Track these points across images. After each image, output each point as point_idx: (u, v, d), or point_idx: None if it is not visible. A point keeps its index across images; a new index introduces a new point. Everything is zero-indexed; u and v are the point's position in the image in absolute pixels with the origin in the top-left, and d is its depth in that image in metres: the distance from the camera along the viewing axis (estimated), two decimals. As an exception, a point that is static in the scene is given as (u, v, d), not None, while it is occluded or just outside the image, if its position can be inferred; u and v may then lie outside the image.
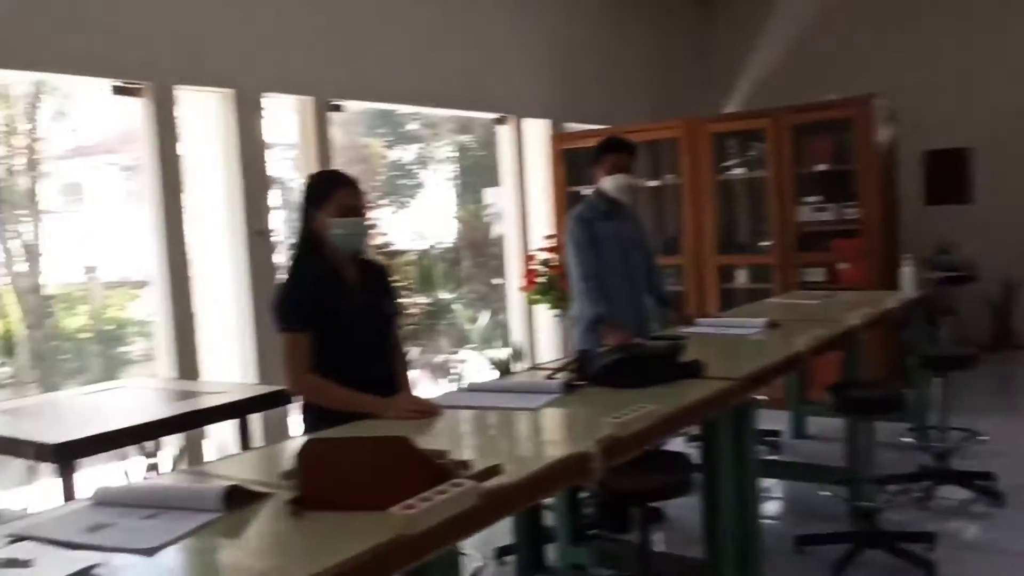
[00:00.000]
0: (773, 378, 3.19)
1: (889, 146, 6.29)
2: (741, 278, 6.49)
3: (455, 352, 9.02)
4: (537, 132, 6.79)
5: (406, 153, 13.24)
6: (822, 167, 6.16)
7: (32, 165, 10.90)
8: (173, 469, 4.07)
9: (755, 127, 6.36)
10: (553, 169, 6.77)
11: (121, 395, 3.80)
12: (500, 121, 6.52)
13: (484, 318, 9.35)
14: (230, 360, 4.70)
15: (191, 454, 4.26)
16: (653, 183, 6.72)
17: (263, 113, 4.77)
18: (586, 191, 6.62)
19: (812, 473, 4.55)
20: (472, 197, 13.30)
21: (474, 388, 2.89)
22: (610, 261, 3.95)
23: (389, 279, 3.06)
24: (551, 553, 3.43)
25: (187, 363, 4.37)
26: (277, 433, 4.47)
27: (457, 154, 13.59)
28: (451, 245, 6.56)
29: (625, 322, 3.85)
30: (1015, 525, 3.94)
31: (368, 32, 5.32)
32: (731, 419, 2.81)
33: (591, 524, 3.63)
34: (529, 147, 6.71)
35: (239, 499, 1.79)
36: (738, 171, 6.57)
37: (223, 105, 4.60)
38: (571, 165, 6.67)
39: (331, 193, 2.78)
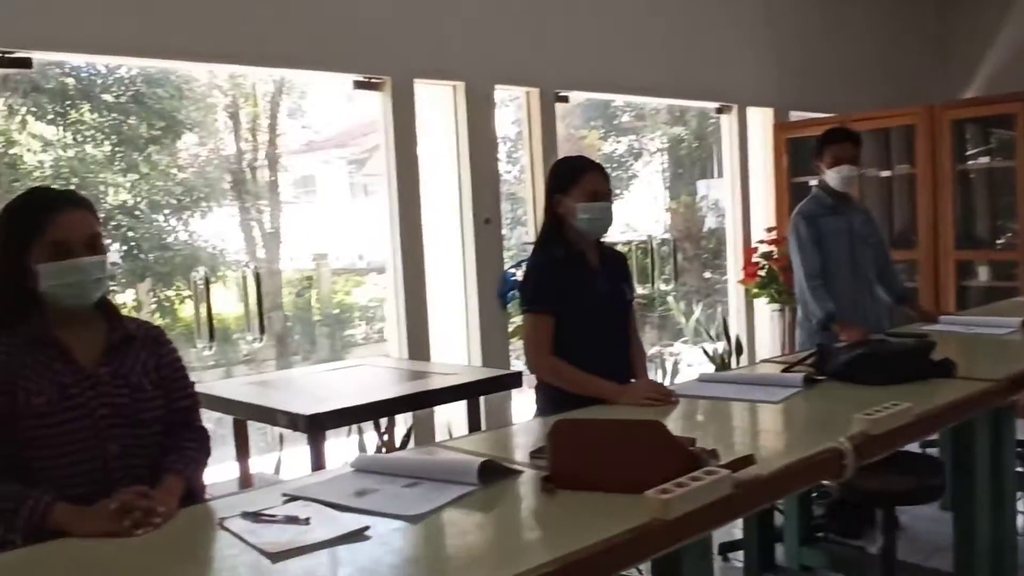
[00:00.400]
0: (1034, 382, 2.94)
1: None
2: (981, 275, 6.03)
3: (669, 344, 8.95)
4: (759, 121, 6.58)
5: (619, 145, 13.25)
6: (1082, 156, 5.61)
7: (272, 159, 11.76)
8: (403, 445, 4.26)
9: (1003, 112, 5.87)
10: (776, 159, 6.54)
11: (359, 373, 4.01)
12: (721, 110, 6.37)
13: (698, 311, 9.19)
14: (456, 343, 4.87)
15: (419, 432, 4.44)
16: (884, 173, 6.36)
17: (493, 104, 4.89)
18: (812, 182, 6.39)
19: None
20: (685, 189, 13.12)
21: (707, 379, 2.85)
22: (837, 258, 3.77)
23: (627, 266, 3.07)
24: (777, 552, 3.33)
25: (418, 345, 4.55)
26: (499, 416, 4.59)
27: (669, 145, 13.44)
28: (664, 237, 6.48)
29: (853, 320, 3.66)
30: None
31: (592, 21, 5.33)
32: (988, 424, 2.62)
33: (820, 525, 3.50)
34: (751, 137, 6.51)
35: (492, 474, 1.85)
36: (981, 160, 6.10)
37: (455, 97, 4.75)
38: (795, 155, 6.42)
39: (578, 178, 2.81)
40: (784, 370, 2.78)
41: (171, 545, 1.69)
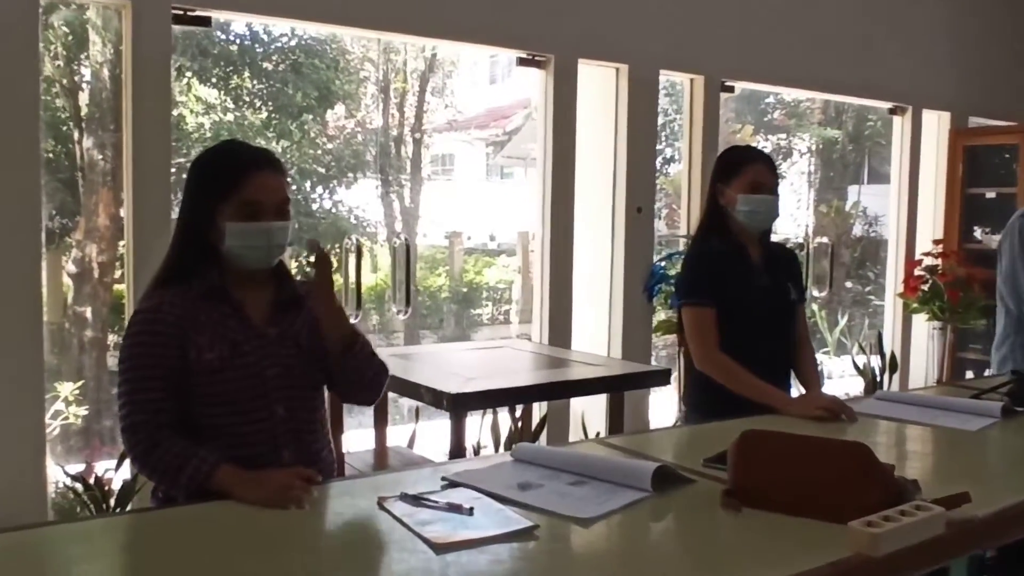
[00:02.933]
0: None
1: None
2: None
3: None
4: (934, 126, 6.16)
5: (767, 144, 12.81)
6: None
7: (417, 135, 11.87)
8: (537, 433, 4.16)
9: None
10: (949, 168, 6.11)
11: (501, 355, 3.94)
12: (894, 111, 5.99)
13: (843, 321, 8.78)
14: (596, 333, 4.73)
15: (552, 421, 4.33)
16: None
17: (657, 90, 4.72)
18: (990, 194, 5.96)
19: None
20: (835, 194, 12.60)
21: (885, 397, 2.62)
22: None
23: (797, 265, 2.88)
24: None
25: (560, 331, 4.44)
26: (637, 413, 4.43)
27: (821, 147, 12.91)
28: (821, 241, 6.16)
29: None
30: None
31: (763, 9, 5.07)
32: None
33: (990, 567, 3.21)
34: (923, 142, 6.10)
35: (664, 480, 1.71)
36: None
37: (617, 80, 4.60)
38: (972, 164, 6.00)
39: (743, 168, 2.65)
40: (974, 396, 2.53)
41: (332, 521, 1.63)
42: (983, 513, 1.56)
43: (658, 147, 10.19)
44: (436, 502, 1.61)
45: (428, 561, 1.39)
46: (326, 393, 2.01)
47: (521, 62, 4.41)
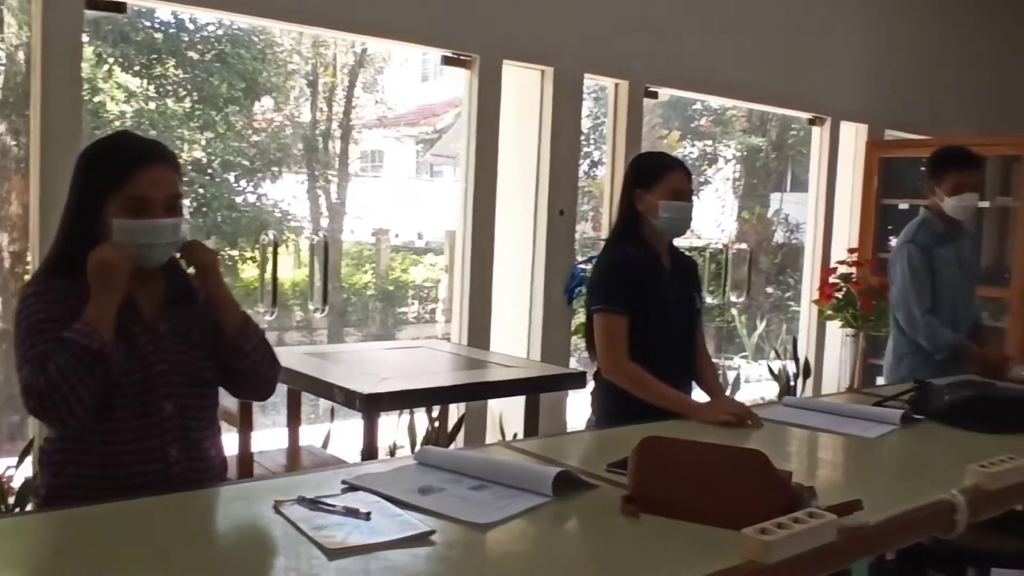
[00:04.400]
0: None
1: None
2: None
3: (729, 358, 8.73)
4: (851, 137, 6.32)
5: (693, 149, 13.00)
6: None
7: (345, 130, 11.75)
8: (454, 434, 4.14)
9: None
10: (865, 179, 6.27)
11: (418, 355, 3.90)
12: (814, 122, 6.13)
13: (761, 326, 8.96)
14: (515, 334, 4.72)
15: (470, 422, 4.31)
16: (982, 204, 6.05)
17: (581, 92, 4.73)
18: (903, 205, 6.13)
19: None
20: (758, 200, 12.86)
21: (791, 404, 2.67)
22: (946, 290, 3.50)
23: (697, 273, 2.92)
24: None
25: (478, 332, 4.42)
26: (554, 415, 4.44)
27: (745, 154, 13.16)
28: (740, 247, 6.27)
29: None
30: None
31: (689, 17, 5.14)
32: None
33: (889, 570, 3.29)
34: (841, 153, 6.26)
35: (566, 485, 1.71)
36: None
37: (542, 82, 4.61)
38: (887, 176, 6.16)
39: (662, 175, 2.67)
40: (877, 403, 2.59)
41: (226, 525, 1.59)
42: (875, 520, 1.58)
43: (586, 150, 10.25)
44: (333, 506, 1.58)
45: (320, 567, 1.36)
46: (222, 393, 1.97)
47: (447, 61, 4.38)
